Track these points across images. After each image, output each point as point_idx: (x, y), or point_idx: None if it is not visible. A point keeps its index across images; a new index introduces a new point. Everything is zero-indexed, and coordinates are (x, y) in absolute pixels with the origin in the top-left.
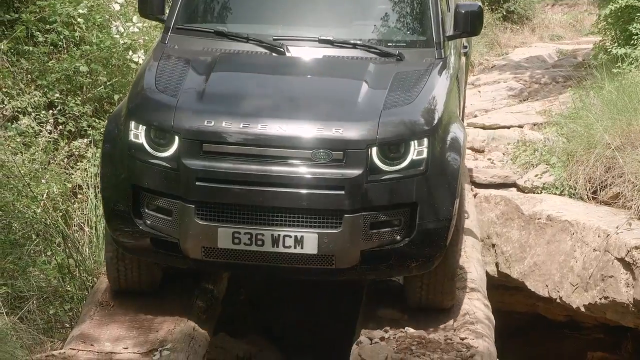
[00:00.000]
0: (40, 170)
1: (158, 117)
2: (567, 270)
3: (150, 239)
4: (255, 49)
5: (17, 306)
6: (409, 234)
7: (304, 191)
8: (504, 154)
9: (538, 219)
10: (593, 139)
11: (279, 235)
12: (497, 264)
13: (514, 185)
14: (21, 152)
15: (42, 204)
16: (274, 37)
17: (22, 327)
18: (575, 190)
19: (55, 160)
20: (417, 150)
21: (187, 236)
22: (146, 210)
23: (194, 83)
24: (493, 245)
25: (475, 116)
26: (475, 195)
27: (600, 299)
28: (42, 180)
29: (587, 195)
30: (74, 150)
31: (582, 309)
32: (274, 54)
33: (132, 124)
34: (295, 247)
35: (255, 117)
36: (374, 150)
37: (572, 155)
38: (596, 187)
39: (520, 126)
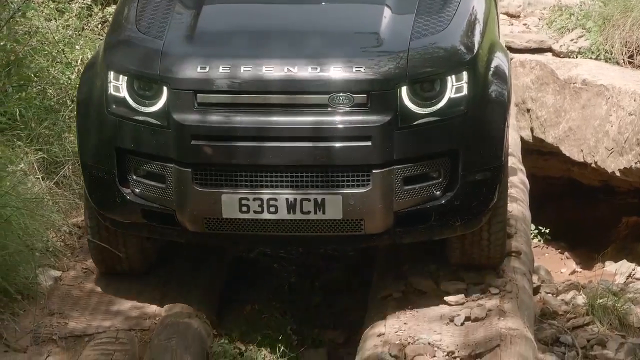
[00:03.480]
0: (74, 36)
1: (141, 64)
2: (602, 135)
3: (141, 211)
4: None
5: (52, 171)
6: (451, 187)
7: (322, 144)
8: (539, 19)
9: (573, 83)
10: (630, 3)
11: (295, 199)
12: (531, 129)
13: (549, 50)
14: (55, 19)
15: (76, 70)
16: None
17: (58, 191)
18: (611, 54)
19: (89, 27)
20: (456, 87)
21: (184, 206)
22: (134, 177)
23: (182, 21)
24: (528, 110)
25: None
26: (510, 60)
27: (636, 163)
28: (76, 47)
29: (623, 59)
30: (107, 16)
31: (617, 174)
32: None
33: (111, 75)
34: (315, 213)
35: (257, 58)
36: (404, 89)
37: (609, 19)
38: (632, 51)
39: None
